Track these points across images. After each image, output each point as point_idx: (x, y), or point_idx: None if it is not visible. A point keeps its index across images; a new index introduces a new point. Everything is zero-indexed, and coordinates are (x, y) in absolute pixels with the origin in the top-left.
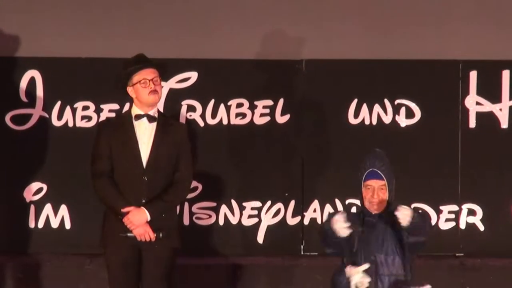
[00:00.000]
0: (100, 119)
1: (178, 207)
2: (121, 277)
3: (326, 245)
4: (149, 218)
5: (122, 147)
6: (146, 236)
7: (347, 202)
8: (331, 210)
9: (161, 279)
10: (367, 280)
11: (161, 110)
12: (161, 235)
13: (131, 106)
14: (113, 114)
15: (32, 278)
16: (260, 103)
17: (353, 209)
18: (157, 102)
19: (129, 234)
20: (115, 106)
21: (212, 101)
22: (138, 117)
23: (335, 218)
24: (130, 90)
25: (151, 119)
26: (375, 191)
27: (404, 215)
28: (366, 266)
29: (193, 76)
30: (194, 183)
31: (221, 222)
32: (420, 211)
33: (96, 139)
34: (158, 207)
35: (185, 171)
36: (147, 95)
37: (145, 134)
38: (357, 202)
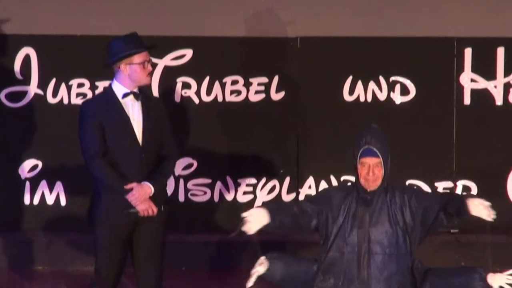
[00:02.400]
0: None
1: (170, 186)
2: (114, 254)
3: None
4: (153, 192)
5: (116, 126)
6: (150, 211)
7: (342, 178)
8: (326, 187)
9: (157, 251)
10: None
11: (156, 87)
12: (162, 208)
13: (111, 84)
14: (109, 83)
15: (27, 254)
16: (255, 80)
17: (348, 184)
18: (148, 82)
19: (132, 210)
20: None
21: (207, 78)
22: (125, 95)
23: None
24: (124, 67)
25: (137, 96)
26: (371, 168)
27: (481, 211)
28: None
29: (188, 53)
30: (189, 160)
31: (216, 198)
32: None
33: (83, 121)
34: (159, 181)
35: (171, 144)
36: (145, 76)
37: (134, 111)
38: (352, 178)
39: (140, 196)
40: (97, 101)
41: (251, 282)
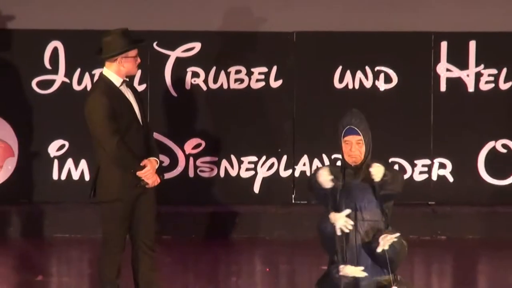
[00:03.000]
0: None
1: (181, 163)
2: (122, 224)
3: (313, 196)
4: (158, 164)
5: (123, 111)
6: (156, 182)
7: (333, 157)
8: (319, 164)
9: (154, 213)
10: (350, 223)
11: (169, 76)
12: (164, 177)
13: (102, 74)
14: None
15: (55, 223)
16: (256, 70)
17: (338, 163)
18: (134, 73)
19: (142, 183)
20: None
21: (214, 68)
22: (121, 84)
23: (319, 172)
24: (120, 59)
25: (127, 83)
26: (353, 145)
27: (376, 171)
28: (348, 211)
29: (197, 46)
30: (198, 140)
31: (222, 174)
32: (394, 167)
33: (101, 109)
34: (157, 155)
35: (148, 124)
36: (135, 68)
37: (129, 97)
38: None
39: (152, 168)
40: (101, 89)
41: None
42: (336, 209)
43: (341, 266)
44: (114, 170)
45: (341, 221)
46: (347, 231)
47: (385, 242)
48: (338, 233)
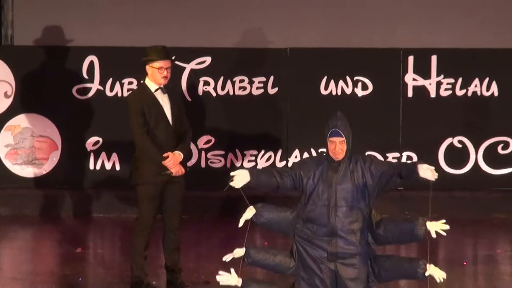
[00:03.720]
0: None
1: (195, 156)
2: (152, 206)
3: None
4: (182, 158)
5: (153, 112)
6: (180, 172)
7: (319, 150)
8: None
9: (183, 203)
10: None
11: (184, 85)
12: (188, 169)
13: (144, 80)
14: (131, 92)
15: (91, 205)
16: (256, 79)
17: (323, 155)
18: (166, 82)
19: (167, 172)
20: None
21: (222, 78)
22: (156, 90)
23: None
24: (148, 68)
25: (164, 91)
26: (337, 145)
27: (427, 173)
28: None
29: (208, 60)
30: (209, 137)
31: (228, 165)
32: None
33: (132, 106)
34: (184, 150)
35: (187, 122)
36: (160, 78)
37: (163, 101)
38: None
39: (174, 161)
40: (137, 94)
41: (240, 223)
42: (314, 196)
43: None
44: (145, 159)
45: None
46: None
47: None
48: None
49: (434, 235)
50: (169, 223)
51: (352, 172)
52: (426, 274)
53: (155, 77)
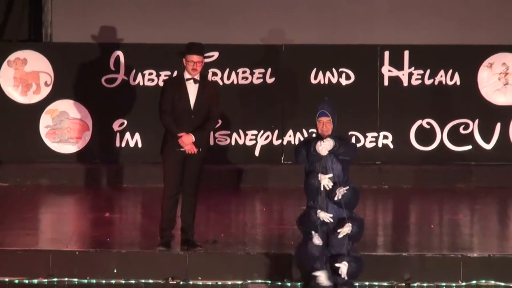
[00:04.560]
0: (159, 82)
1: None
2: (173, 173)
3: (298, 161)
4: (194, 140)
5: (180, 97)
6: (192, 151)
7: (310, 131)
8: (300, 136)
9: (197, 175)
10: (331, 183)
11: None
12: (200, 150)
13: (183, 71)
14: (168, 72)
15: (119, 176)
16: (256, 71)
17: (313, 135)
18: (195, 75)
19: (181, 149)
20: (168, 73)
21: (227, 69)
22: (188, 79)
23: (318, 144)
24: (184, 61)
25: (196, 81)
26: (324, 124)
27: (325, 146)
28: (330, 175)
29: (215, 54)
30: None
31: (233, 143)
32: (351, 139)
33: (163, 91)
34: (199, 133)
35: (214, 113)
36: (190, 70)
37: (191, 90)
38: (315, 130)
39: (186, 141)
40: (172, 80)
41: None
42: (314, 169)
43: (318, 211)
44: (168, 136)
45: (325, 181)
46: (328, 188)
47: (339, 193)
48: (322, 188)
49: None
50: (185, 191)
51: (336, 150)
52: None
53: (187, 68)
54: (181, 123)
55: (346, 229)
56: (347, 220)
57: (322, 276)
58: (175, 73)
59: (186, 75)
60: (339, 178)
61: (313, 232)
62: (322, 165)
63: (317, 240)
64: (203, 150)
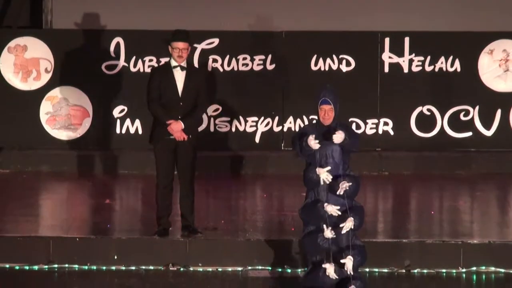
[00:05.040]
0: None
1: (205, 122)
2: (165, 162)
3: (299, 153)
4: (183, 127)
5: (167, 85)
6: (181, 138)
7: (310, 117)
8: (301, 123)
9: (191, 162)
10: (330, 177)
11: (196, 63)
12: (190, 136)
13: (170, 59)
14: (168, 59)
15: (117, 163)
16: (257, 57)
17: (313, 121)
18: (182, 62)
19: (171, 137)
20: (168, 59)
21: (228, 56)
22: (175, 67)
23: (310, 139)
24: (169, 48)
25: (182, 68)
26: (326, 112)
27: (338, 137)
28: (329, 168)
29: (216, 40)
30: (217, 106)
31: (233, 130)
32: (352, 126)
33: (150, 78)
34: (188, 120)
35: (203, 98)
36: (176, 57)
37: (178, 77)
38: (316, 117)
39: (175, 128)
40: (159, 68)
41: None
42: (316, 162)
43: (325, 204)
44: (157, 124)
45: (324, 175)
46: (327, 182)
47: (342, 188)
48: (321, 183)
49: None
50: (181, 179)
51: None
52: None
53: (173, 55)
54: (169, 110)
55: (349, 224)
56: (348, 213)
57: (330, 269)
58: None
59: (173, 63)
60: (339, 165)
61: (324, 226)
62: (321, 153)
63: (329, 233)
64: (193, 137)
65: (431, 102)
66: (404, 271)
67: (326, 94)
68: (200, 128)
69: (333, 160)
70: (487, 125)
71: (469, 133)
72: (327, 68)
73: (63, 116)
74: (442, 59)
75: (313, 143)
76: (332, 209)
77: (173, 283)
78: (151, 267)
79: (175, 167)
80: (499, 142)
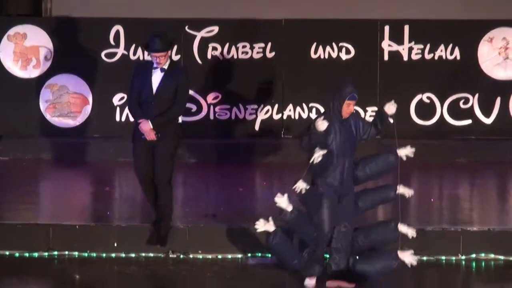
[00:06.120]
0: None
1: (205, 109)
2: (139, 161)
3: (313, 141)
4: (151, 127)
5: (144, 84)
6: (149, 137)
7: (310, 105)
8: (301, 111)
9: (165, 162)
10: (319, 159)
11: (196, 50)
12: (159, 135)
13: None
14: (136, 64)
15: (118, 151)
16: (256, 45)
17: (322, 111)
18: (162, 66)
19: (143, 137)
20: None
21: (227, 44)
22: (155, 68)
23: (318, 120)
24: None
25: (162, 70)
26: (351, 106)
27: (392, 108)
28: (325, 150)
29: (215, 29)
30: (216, 93)
31: (233, 117)
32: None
33: (132, 76)
34: (158, 120)
35: (179, 99)
36: (155, 63)
37: (155, 77)
38: (315, 105)
39: (144, 127)
40: (140, 67)
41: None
42: (328, 147)
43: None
44: (135, 123)
45: (318, 155)
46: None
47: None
48: (315, 162)
49: (404, 158)
50: (157, 180)
51: (351, 127)
52: (398, 191)
53: (152, 60)
54: (145, 109)
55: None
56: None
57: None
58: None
59: (154, 64)
60: (352, 151)
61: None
62: (342, 142)
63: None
64: (167, 138)
65: (431, 90)
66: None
67: (354, 89)
68: (199, 116)
69: (349, 151)
70: (487, 113)
71: (469, 121)
72: (326, 56)
73: (63, 104)
74: (442, 47)
75: (321, 123)
76: (408, 230)
77: (173, 270)
78: (151, 254)
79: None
80: (498, 129)
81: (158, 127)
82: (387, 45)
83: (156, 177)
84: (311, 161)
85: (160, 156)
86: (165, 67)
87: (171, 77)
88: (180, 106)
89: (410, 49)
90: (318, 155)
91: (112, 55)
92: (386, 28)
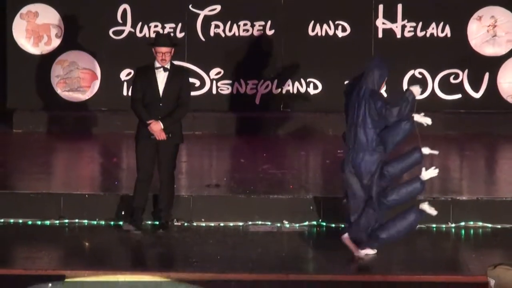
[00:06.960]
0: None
1: (208, 84)
2: (145, 159)
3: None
4: (162, 127)
5: (149, 86)
6: (160, 137)
7: (307, 80)
8: (299, 86)
9: (171, 161)
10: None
11: (199, 27)
12: (170, 135)
13: (154, 59)
14: (173, 25)
15: (125, 124)
16: (257, 23)
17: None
18: (165, 64)
19: (152, 136)
20: (172, 25)
21: (229, 22)
22: (158, 68)
23: (417, 87)
24: (153, 50)
25: (165, 69)
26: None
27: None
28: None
29: (218, 7)
30: (218, 69)
31: (234, 92)
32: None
33: (134, 79)
34: (168, 120)
35: (184, 99)
36: (160, 60)
37: (160, 78)
38: (313, 80)
39: (155, 128)
40: (142, 69)
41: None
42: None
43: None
44: (140, 124)
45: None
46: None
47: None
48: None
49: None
50: (161, 176)
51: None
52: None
53: (157, 58)
54: (150, 110)
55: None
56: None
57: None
58: (179, 26)
59: (156, 64)
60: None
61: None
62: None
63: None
64: (174, 137)
65: (423, 65)
66: None
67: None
68: (203, 91)
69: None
70: (476, 87)
71: (459, 95)
72: (323, 34)
73: (72, 79)
74: (433, 25)
75: (420, 89)
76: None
77: (177, 237)
78: (157, 222)
79: (156, 163)
80: (487, 103)
81: (168, 127)
82: (381, 23)
83: (160, 175)
84: (426, 124)
85: (166, 152)
86: (168, 66)
87: (175, 78)
88: (186, 107)
89: (403, 27)
90: (426, 118)
91: (120, 32)
92: (380, 7)
